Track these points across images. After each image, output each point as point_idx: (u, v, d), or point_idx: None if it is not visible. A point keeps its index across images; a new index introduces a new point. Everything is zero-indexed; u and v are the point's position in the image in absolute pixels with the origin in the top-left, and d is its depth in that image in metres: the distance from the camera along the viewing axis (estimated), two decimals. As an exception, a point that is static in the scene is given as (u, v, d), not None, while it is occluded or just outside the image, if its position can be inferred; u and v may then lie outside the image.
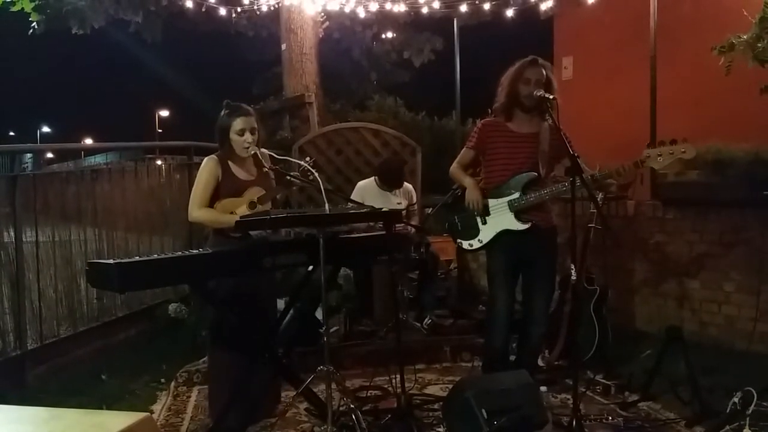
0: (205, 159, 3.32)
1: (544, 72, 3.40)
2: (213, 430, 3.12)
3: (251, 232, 3.02)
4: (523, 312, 3.69)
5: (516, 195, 3.48)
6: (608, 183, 3.43)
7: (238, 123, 3.21)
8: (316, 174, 2.99)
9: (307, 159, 3.11)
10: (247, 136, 3.21)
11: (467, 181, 3.61)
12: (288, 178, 3.25)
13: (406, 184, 5.14)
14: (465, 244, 3.65)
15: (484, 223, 3.56)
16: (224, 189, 3.26)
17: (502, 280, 3.57)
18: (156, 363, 4.48)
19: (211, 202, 3.26)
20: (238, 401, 3.09)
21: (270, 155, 3.32)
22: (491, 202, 3.54)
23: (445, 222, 3.77)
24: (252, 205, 3.24)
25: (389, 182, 4.93)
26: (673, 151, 3.22)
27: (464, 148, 3.70)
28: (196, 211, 3.24)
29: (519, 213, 3.49)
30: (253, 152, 3.22)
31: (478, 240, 3.58)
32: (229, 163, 3.29)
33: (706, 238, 4.57)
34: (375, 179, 5.03)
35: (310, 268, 3.26)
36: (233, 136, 3.22)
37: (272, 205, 3.35)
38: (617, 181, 3.38)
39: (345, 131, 6.43)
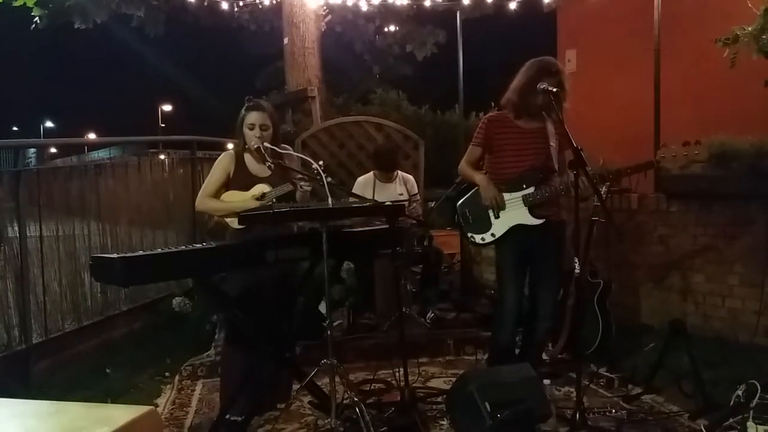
0: (224, 152, 3.47)
1: (558, 79, 3.34)
2: (217, 422, 3.13)
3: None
4: (529, 306, 3.69)
5: (531, 190, 3.47)
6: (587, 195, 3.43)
7: (249, 117, 3.33)
8: (325, 177, 3.01)
9: (320, 163, 3.13)
10: (256, 131, 3.30)
11: (479, 178, 3.58)
12: (296, 179, 3.30)
13: (406, 174, 5.13)
14: (477, 238, 3.62)
15: (497, 217, 3.54)
16: (234, 182, 3.37)
17: (512, 275, 3.56)
18: (160, 357, 4.50)
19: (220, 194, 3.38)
20: (244, 394, 3.10)
21: (273, 149, 3.32)
22: (504, 196, 3.52)
23: (454, 215, 3.75)
24: (261, 198, 3.28)
25: (384, 166, 4.92)
26: (687, 152, 3.22)
27: (471, 146, 3.66)
28: (200, 201, 3.39)
29: (533, 208, 3.48)
30: (256, 146, 3.25)
31: (491, 234, 3.56)
32: (245, 157, 3.39)
33: (710, 231, 4.56)
34: (374, 173, 5.03)
35: (307, 264, 3.27)
36: (245, 130, 3.34)
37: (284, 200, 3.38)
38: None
39: (347, 125, 6.43)
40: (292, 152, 3.44)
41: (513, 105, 3.49)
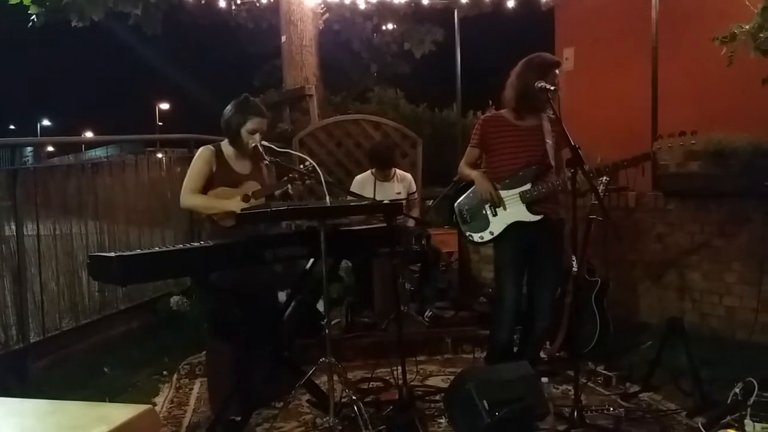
0: (201, 149, 3.36)
1: (557, 74, 3.38)
2: (215, 421, 3.13)
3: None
4: (527, 304, 3.69)
5: (528, 186, 3.47)
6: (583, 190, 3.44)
7: (253, 122, 3.27)
8: (320, 171, 3.01)
9: (308, 163, 3.12)
10: (257, 137, 3.27)
11: (474, 174, 3.60)
12: (288, 176, 3.29)
13: (404, 173, 5.13)
14: (476, 237, 3.62)
15: (495, 215, 3.55)
16: (219, 179, 3.30)
17: (511, 273, 3.56)
18: (158, 355, 4.50)
19: (205, 192, 3.31)
20: (240, 393, 3.10)
21: (270, 147, 3.32)
22: (501, 193, 3.52)
23: (452, 214, 3.76)
24: (246, 198, 3.27)
25: (381, 164, 4.91)
26: (684, 142, 3.22)
27: (468, 147, 3.69)
28: (189, 197, 3.28)
29: (530, 204, 3.48)
30: (253, 145, 3.25)
31: (489, 232, 3.57)
32: (227, 155, 3.33)
33: (707, 229, 4.57)
34: (372, 171, 5.03)
35: (310, 262, 3.26)
36: (244, 133, 3.27)
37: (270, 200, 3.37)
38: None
39: (345, 123, 6.42)
40: (269, 147, 3.40)
41: (516, 102, 3.48)
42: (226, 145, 3.36)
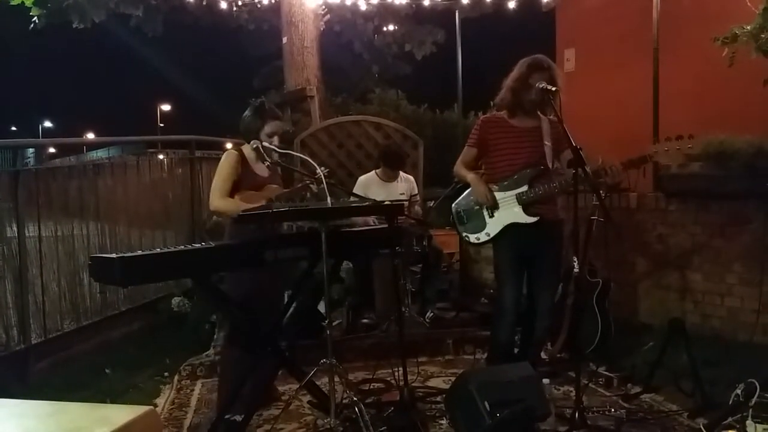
0: (227, 152, 3.41)
1: (549, 75, 3.38)
2: (216, 422, 3.12)
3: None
4: (527, 305, 3.69)
5: (524, 188, 3.48)
6: (600, 182, 3.43)
7: (270, 126, 3.33)
8: (322, 172, 3.02)
9: (323, 168, 3.13)
10: (275, 140, 3.32)
11: (471, 177, 3.61)
12: (305, 183, 3.37)
13: (407, 175, 5.14)
14: (472, 238, 3.63)
15: (491, 216, 3.56)
16: (244, 183, 3.35)
17: (510, 274, 3.57)
18: (159, 357, 4.50)
19: (231, 195, 3.35)
20: (243, 394, 3.10)
21: (272, 149, 3.33)
22: (498, 195, 3.53)
23: (450, 215, 3.77)
24: (269, 201, 3.32)
25: (392, 164, 4.93)
26: (680, 146, 3.22)
27: (466, 147, 3.69)
28: (219, 201, 3.30)
29: (527, 206, 3.49)
30: (255, 146, 3.26)
31: (486, 233, 3.58)
32: (249, 158, 3.40)
33: (708, 230, 4.56)
34: (376, 172, 5.03)
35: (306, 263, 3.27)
36: (263, 137, 3.32)
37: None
38: (606, 180, 3.37)
39: (347, 125, 6.43)
40: (271, 149, 3.43)
41: (507, 103, 3.51)
42: (247, 149, 3.40)
